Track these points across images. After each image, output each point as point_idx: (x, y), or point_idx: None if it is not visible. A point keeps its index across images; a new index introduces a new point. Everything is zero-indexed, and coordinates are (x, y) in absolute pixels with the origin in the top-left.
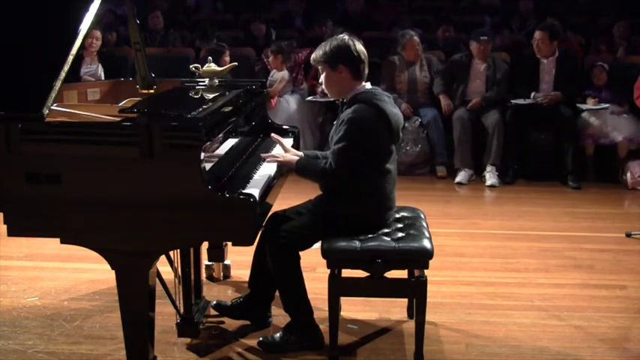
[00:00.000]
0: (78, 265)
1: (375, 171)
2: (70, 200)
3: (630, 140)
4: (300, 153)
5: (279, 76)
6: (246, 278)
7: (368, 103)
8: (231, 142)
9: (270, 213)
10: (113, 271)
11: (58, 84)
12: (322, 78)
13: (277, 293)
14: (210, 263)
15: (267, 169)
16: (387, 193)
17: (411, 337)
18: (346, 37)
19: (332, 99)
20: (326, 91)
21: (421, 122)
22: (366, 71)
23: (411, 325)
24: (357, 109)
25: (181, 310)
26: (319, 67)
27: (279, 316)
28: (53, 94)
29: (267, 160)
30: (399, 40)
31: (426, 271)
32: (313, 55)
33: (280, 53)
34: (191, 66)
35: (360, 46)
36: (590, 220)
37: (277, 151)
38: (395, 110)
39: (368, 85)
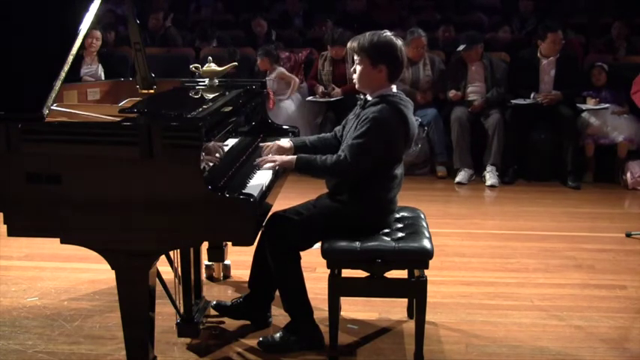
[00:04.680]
0: (78, 265)
1: (383, 175)
2: (70, 200)
3: (630, 140)
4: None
5: (274, 75)
6: (246, 278)
7: (394, 107)
8: (231, 142)
9: (270, 213)
10: (113, 271)
11: (58, 84)
12: (356, 68)
13: (277, 293)
14: (210, 263)
15: (267, 170)
16: (392, 197)
17: (411, 337)
18: (392, 36)
19: (332, 99)
20: (355, 81)
21: (421, 122)
22: (401, 74)
23: (411, 325)
24: (382, 109)
25: (181, 310)
26: (357, 57)
27: (279, 316)
28: (53, 94)
29: (263, 166)
30: (406, 36)
31: (426, 271)
32: (356, 44)
33: (266, 56)
34: (191, 66)
35: (404, 50)
36: (590, 220)
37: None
38: (414, 119)
39: (394, 88)
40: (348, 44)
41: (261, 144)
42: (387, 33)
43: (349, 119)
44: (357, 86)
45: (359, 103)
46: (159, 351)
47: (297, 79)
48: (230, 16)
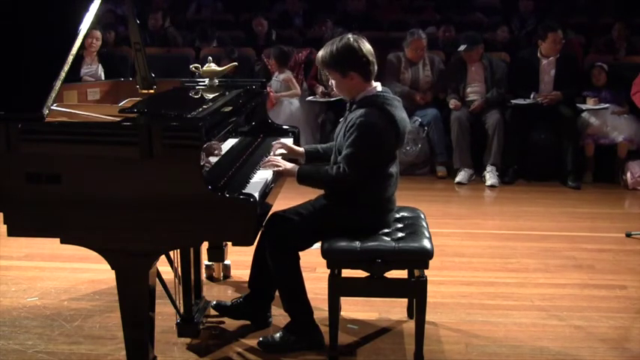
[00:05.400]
0: (78, 265)
1: (379, 174)
2: (70, 200)
3: (630, 140)
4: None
5: (283, 77)
6: (246, 278)
7: (379, 108)
8: (231, 142)
9: (270, 213)
10: (113, 271)
11: (58, 84)
12: (332, 83)
13: (277, 293)
14: (210, 263)
15: (267, 169)
16: (389, 196)
17: (411, 337)
18: (351, 38)
19: (332, 99)
20: (338, 93)
21: (421, 122)
22: (375, 70)
23: (411, 325)
24: (367, 112)
25: (181, 310)
26: (327, 72)
27: (279, 316)
28: (53, 94)
29: (266, 166)
30: (407, 36)
31: (426, 271)
32: (319, 59)
33: (274, 59)
34: (191, 66)
35: (366, 47)
36: (590, 220)
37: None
38: (403, 115)
39: (379, 87)
40: (316, 59)
41: (273, 142)
42: (348, 36)
43: (340, 122)
44: (342, 97)
45: (347, 105)
46: (159, 351)
47: (299, 91)
48: (230, 16)
